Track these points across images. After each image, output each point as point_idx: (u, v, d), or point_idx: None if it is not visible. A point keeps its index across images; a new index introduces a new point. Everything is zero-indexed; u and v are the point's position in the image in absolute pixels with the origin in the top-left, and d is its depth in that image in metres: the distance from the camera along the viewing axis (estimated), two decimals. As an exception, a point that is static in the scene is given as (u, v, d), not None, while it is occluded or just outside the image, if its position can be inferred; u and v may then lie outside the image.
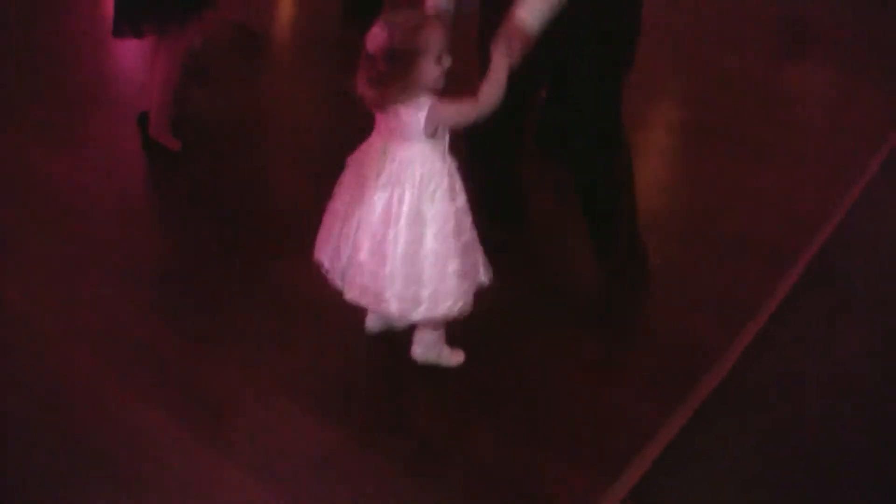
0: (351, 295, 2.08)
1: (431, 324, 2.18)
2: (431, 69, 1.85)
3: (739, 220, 3.13)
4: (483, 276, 2.10)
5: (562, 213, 2.99)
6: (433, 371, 2.27)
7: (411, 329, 2.26)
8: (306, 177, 3.24)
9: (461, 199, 2.02)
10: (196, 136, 3.49)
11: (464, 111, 1.93)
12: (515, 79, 1.93)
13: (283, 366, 2.28)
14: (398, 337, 2.32)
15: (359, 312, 2.29)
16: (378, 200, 1.96)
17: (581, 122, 2.38)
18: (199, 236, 2.89)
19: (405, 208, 1.94)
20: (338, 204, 2.08)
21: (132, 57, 4.19)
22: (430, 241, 1.97)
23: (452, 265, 2.00)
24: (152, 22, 3.18)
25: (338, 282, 2.12)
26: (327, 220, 2.12)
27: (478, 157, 2.42)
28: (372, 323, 2.36)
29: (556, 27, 1.99)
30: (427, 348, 2.26)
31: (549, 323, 2.50)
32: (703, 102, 4.20)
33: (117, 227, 2.89)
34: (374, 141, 2.01)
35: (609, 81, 2.32)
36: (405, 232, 1.95)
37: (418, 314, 2.03)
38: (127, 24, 3.18)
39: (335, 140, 3.35)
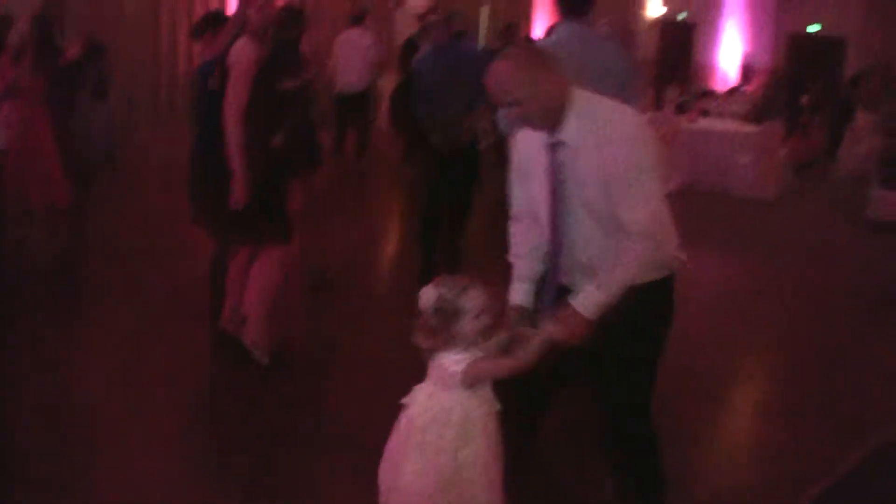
0: None
1: None
2: (471, 325, 2.14)
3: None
4: None
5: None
6: None
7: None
8: (375, 407, 3.29)
9: (494, 440, 2.20)
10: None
11: (498, 371, 2.18)
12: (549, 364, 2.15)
13: None
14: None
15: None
16: (420, 436, 2.15)
17: (608, 414, 2.49)
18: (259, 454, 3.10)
19: (445, 444, 2.14)
20: (393, 441, 2.27)
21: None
22: (466, 474, 2.15)
23: (485, 497, 2.17)
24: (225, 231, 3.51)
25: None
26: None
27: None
28: None
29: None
30: None
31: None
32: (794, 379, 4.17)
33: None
34: (424, 385, 2.23)
35: (635, 376, 2.40)
36: (446, 465, 2.14)
37: None
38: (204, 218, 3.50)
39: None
